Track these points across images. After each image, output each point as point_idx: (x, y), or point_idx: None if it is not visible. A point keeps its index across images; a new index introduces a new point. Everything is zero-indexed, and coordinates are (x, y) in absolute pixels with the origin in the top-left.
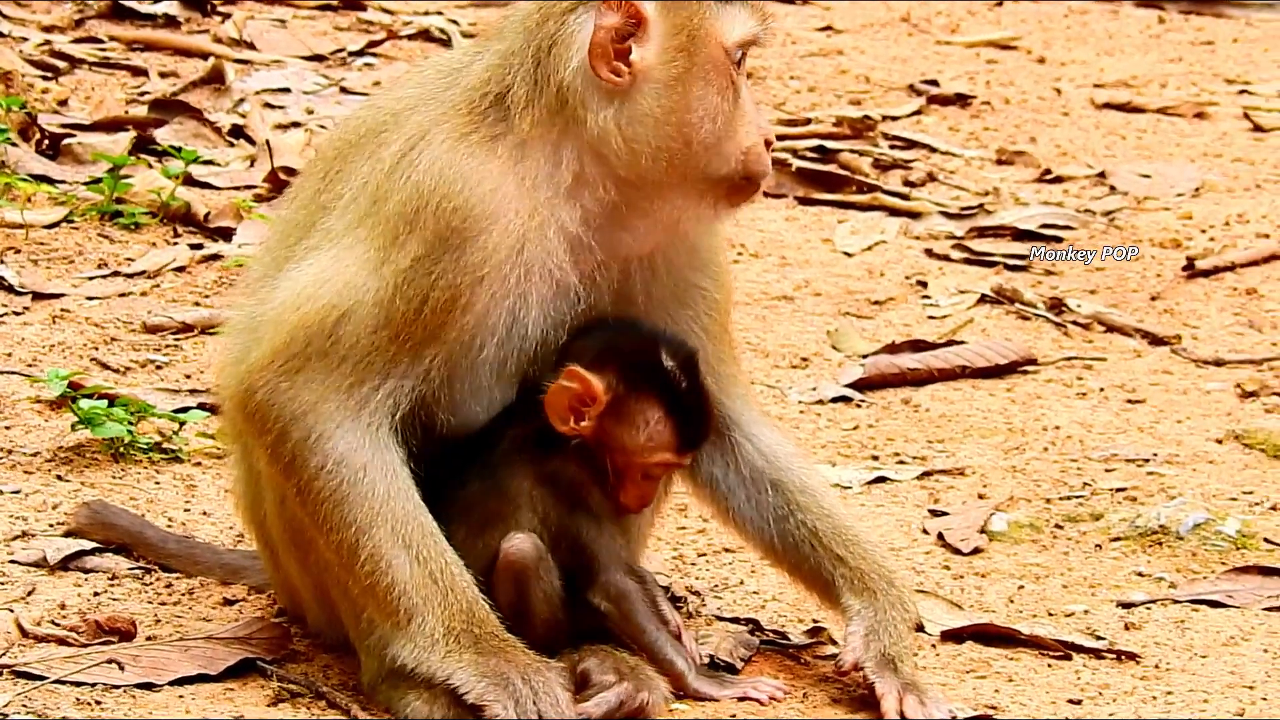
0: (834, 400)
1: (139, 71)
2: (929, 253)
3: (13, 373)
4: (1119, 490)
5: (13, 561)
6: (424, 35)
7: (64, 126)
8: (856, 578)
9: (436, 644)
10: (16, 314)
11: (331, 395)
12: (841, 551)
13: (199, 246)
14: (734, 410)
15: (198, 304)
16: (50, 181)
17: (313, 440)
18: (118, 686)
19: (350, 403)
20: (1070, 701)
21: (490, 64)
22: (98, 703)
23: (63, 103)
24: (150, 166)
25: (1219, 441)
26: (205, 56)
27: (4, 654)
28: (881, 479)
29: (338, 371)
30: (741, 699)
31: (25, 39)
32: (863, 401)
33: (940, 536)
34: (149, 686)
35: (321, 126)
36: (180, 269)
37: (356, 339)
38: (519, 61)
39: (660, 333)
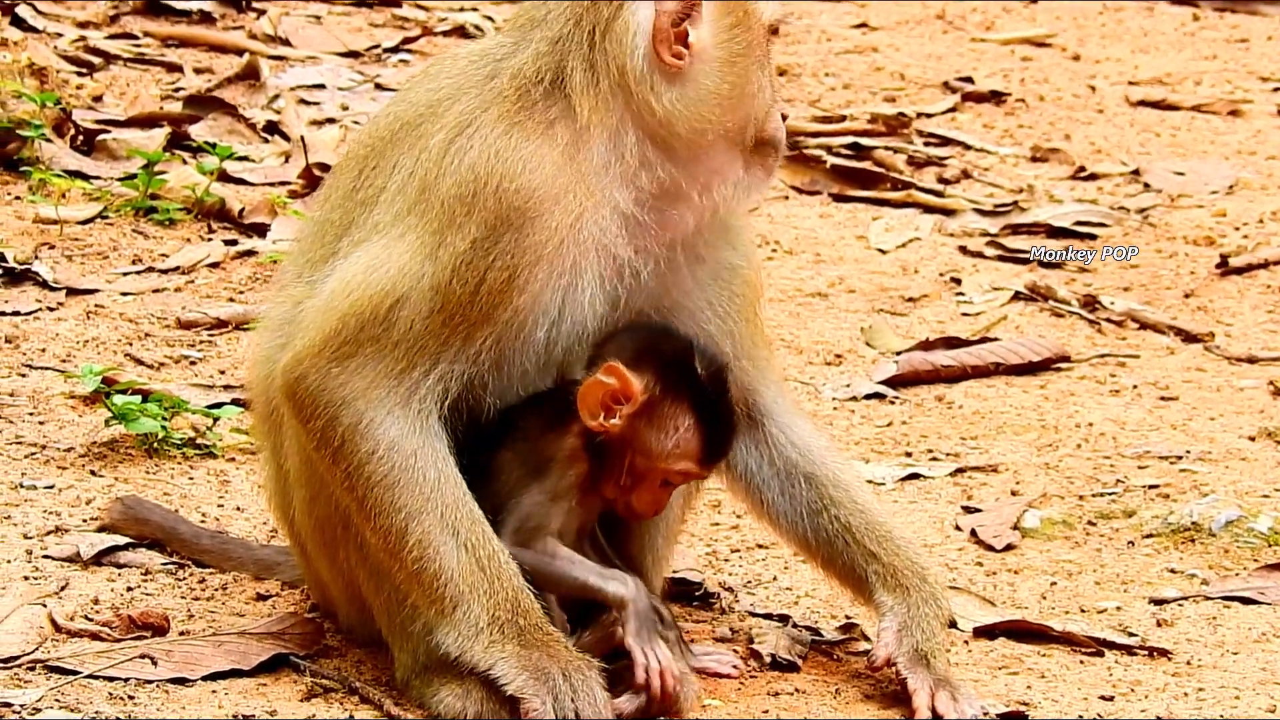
0: (867, 397)
1: (174, 67)
2: (963, 250)
3: (47, 368)
4: (1152, 487)
5: (46, 556)
6: (459, 31)
7: (99, 122)
8: (889, 574)
9: (480, 632)
10: (51, 310)
11: (383, 381)
12: (875, 548)
13: (233, 242)
14: (768, 400)
15: (232, 300)
16: (85, 177)
17: (363, 425)
18: (150, 681)
19: (401, 389)
20: (1102, 698)
21: (539, 50)
22: (130, 698)
23: (97, 99)
24: (185, 163)
25: (1252, 439)
26: (240, 53)
27: (37, 649)
28: (915, 475)
29: (390, 357)
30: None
31: (60, 35)
32: (896, 398)
33: (973, 533)
34: (182, 681)
35: (356, 123)
36: (214, 265)
37: (410, 324)
38: (572, 47)
39: (695, 341)
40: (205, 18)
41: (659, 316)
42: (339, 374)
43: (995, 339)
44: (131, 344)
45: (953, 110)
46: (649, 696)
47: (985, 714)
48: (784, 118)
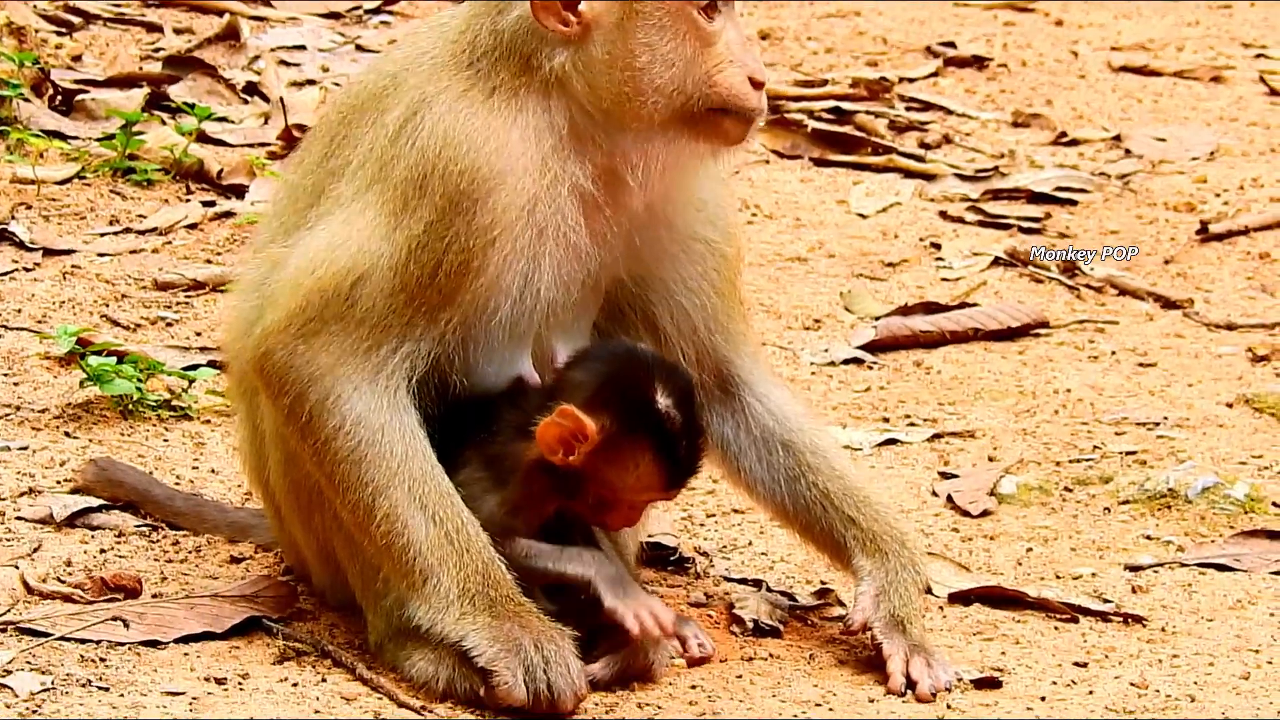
0: (846, 362)
1: (154, 28)
2: (943, 215)
3: (22, 329)
4: (1129, 453)
5: (19, 518)
6: None
7: (77, 82)
8: (868, 539)
9: (451, 605)
10: (27, 270)
11: (349, 358)
12: (853, 513)
13: (211, 204)
14: (744, 370)
15: (209, 261)
16: (63, 137)
17: (330, 401)
18: (122, 644)
19: (368, 365)
20: (1076, 664)
21: (465, 17)
22: (102, 660)
23: (76, 58)
24: (164, 123)
25: (1229, 405)
26: (220, 13)
27: (9, 611)
28: (892, 441)
29: (355, 334)
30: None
31: None
32: (874, 363)
33: (950, 499)
34: (154, 644)
35: (336, 84)
36: (192, 226)
37: (373, 302)
38: (483, 13)
39: (658, 363)
40: None
41: (631, 287)
42: (305, 351)
43: (974, 304)
44: (108, 305)
45: (935, 75)
46: (627, 660)
47: (959, 680)
48: (756, 83)
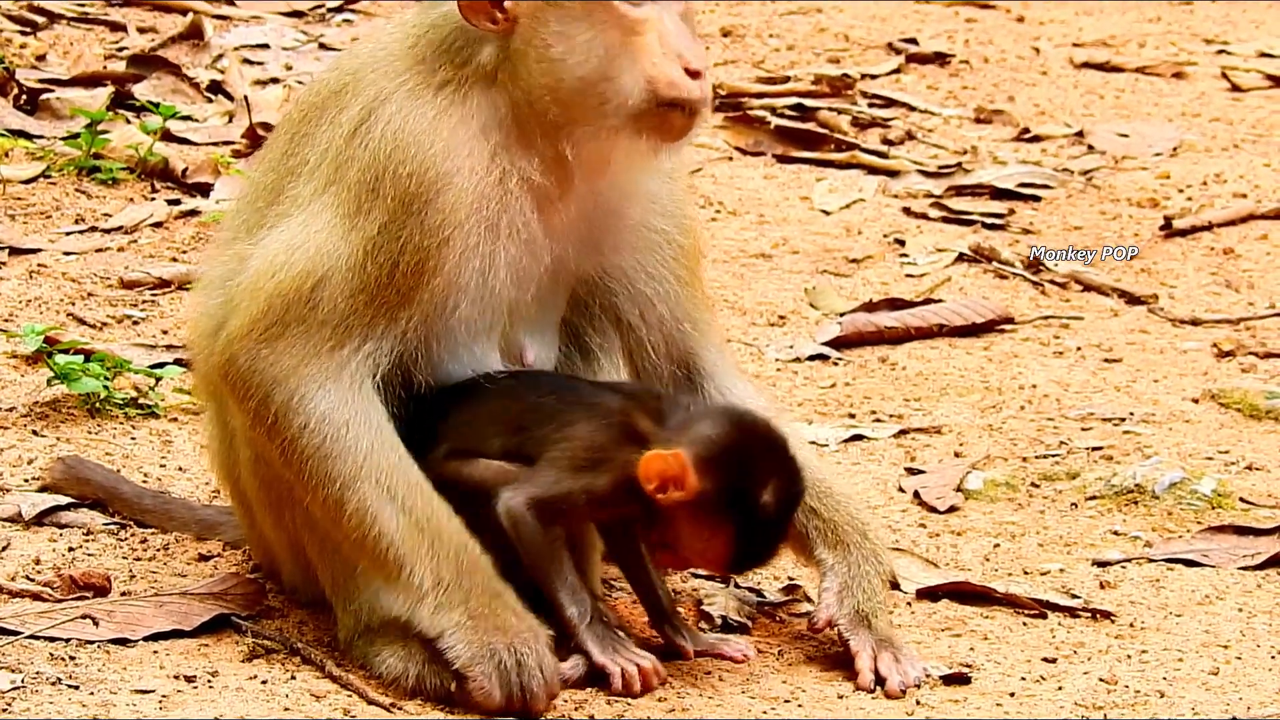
0: (811, 358)
1: (117, 27)
2: (907, 211)
3: None
4: (1095, 449)
5: None
6: None
7: (42, 81)
8: (830, 530)
9: (426, 595)
10: None
11: (312, 359)
12: (815, 504)
13: (176, 202)
14: (709, 362)
15: (175, 259)
16: (28, 136)
17: (295, 401)
18: (92, 642)
19: (331, 364)
20: (1045, 660)
21: (417, 12)
22: (72, 658)
23: (40, 58)
24: (128, 122)
25: (1195, 401)
26: (184, 12)
27: None
28: (858, 437)
29: (317, 336)
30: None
31: None
32: (840, 359)
33: (916, 495)
34: (123, 642)
35: (300, 82)
36: (158, 224)
37: (334, 304)
38: (427, 10)
39: (785, 461)
40: None
41: (594, 281)
42: (268, 354)
43: (939, 300)
44: (74, 303)
45: (897, 72)
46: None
47: (927, 675)
48: (693, 73)
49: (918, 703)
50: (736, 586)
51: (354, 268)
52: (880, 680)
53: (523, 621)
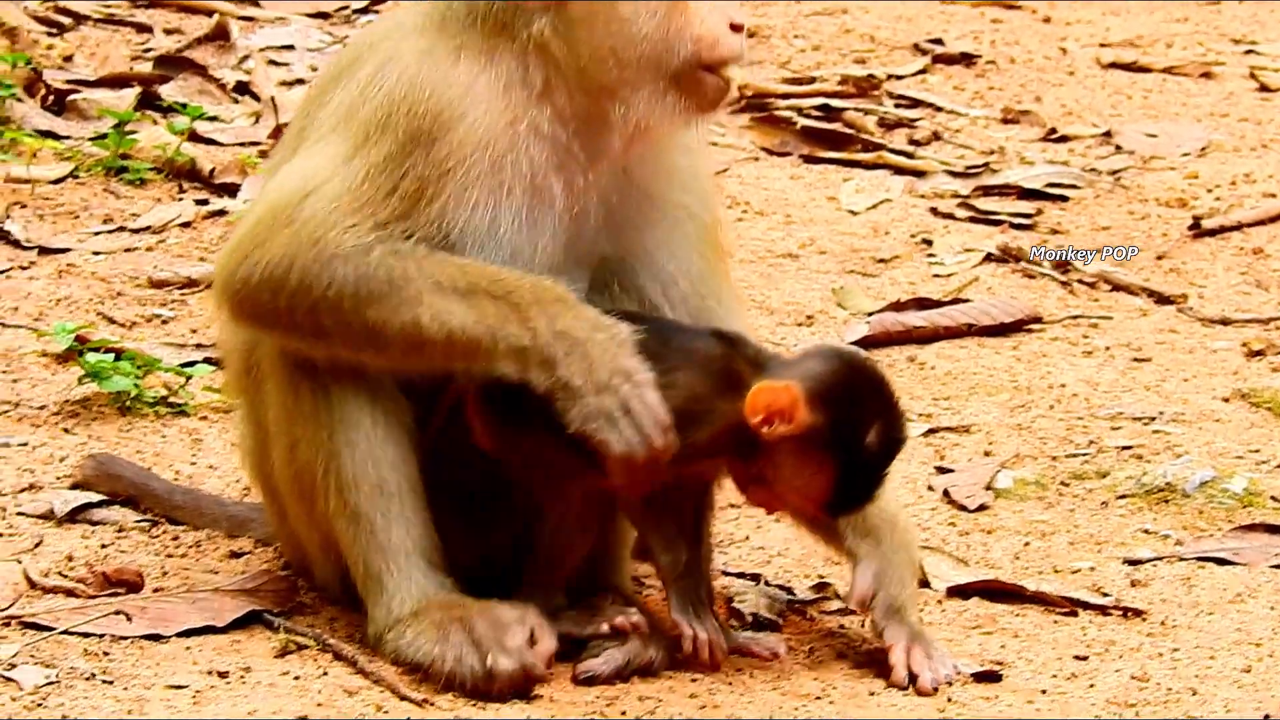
0: None
1: (144, 28)
2: (934, 211)
3: (19, 326)
4: (1125, 448)
5: (20, 514)
6: None
7: (69, 82)
8: (860, 519)
9: (529, 353)
10: (23, 269)
11: (306, 245)
12: None
13: (204, 202)
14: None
15: (203, 259)
16: (56, 137)
17: (312, 277)
18: (125, 637)
19: (329, 240)
20: (1076, 658)
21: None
22: (105, 653)
23: (68, 59)
24: (155, 123)
25: (1225, 400)
26: (210, 13)
27: (12, 605)
28: None
29: (305, 229)
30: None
31: None
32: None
33: (946, 493)
34: (156, 638)
35: None
36: (185, 225)
37: (320, 208)
38: None
39: (895, 408)
40: None
41: (616, 260)
42: (260, 255)
43: (967, 300)
44: (104, 303)
45: (923, 72)
46: (629, 655)
47: (958, 673)
48: (735, 27)
49: (949, 700)
50: (767, 584)
51: (349, 185)
52: (912, 677)
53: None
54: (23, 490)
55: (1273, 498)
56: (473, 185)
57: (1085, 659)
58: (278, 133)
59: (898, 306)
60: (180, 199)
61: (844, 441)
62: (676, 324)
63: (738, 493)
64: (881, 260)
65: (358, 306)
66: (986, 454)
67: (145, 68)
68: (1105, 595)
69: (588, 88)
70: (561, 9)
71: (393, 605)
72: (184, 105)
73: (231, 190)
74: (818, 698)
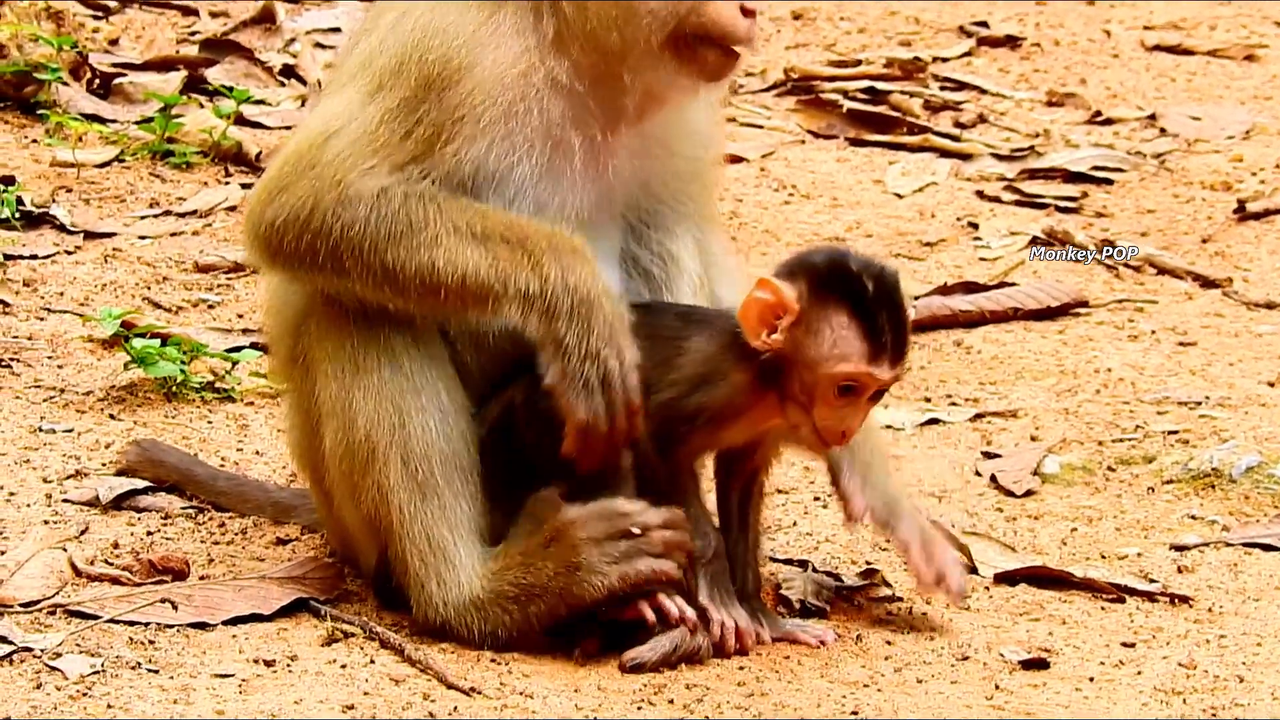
0: None
1: (189, 11)
2: (980, 194)
3: (65, 311)
4: (1171, 433)
5: (66, 500)
6: None
7: (115, 66)
8: None
9: (534, 300)
10: (69, 253)
11: (329, 187)
12: None
13: (250, 186)
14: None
15: None
16: (101, 121)
17: (334, 218)
18: (171, 626)
19: (350, 184)
20: (1124, 644)
21: None
22: (151, 642)
23: (114, 42)
24: (201, 106)
25: (1271, 384)
26: None
27: (58, 593)
28: (934, 421)
29: (327, 171)
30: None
31: None
32: (915, 343)
33: (993, 479)
34: (202, 626)
35: None
36: (232, 208)
37: (340, 150)
38: None
39: (851, 250)
40: None
41: (645, 208)
42: (285, 198)
43: (1013, 284)
44: (149, 287)
45: (968, 55)
46: (675, 642)
47: (968, 565)
48: (747, 11)
49: (997, 687)
50: (814, 571)
51: (365, 129)
52: (939, 578)
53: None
54: (68, 477)
55: None
56: (487, 132)
57: (1132, 646)
58: None
59: (944, 290)
60: (226, 183)
61: (836, 279)
62: (694, 307)
63: (820, 446)
64: (927, 244)
65: (376, 247)
66: (1033, 439)
67: (191, 51)
68: (1152, 581)
69: (597, 48)
70: None
71: (461, 578)
72: (230, 89)
73: None
74: (865, 685)
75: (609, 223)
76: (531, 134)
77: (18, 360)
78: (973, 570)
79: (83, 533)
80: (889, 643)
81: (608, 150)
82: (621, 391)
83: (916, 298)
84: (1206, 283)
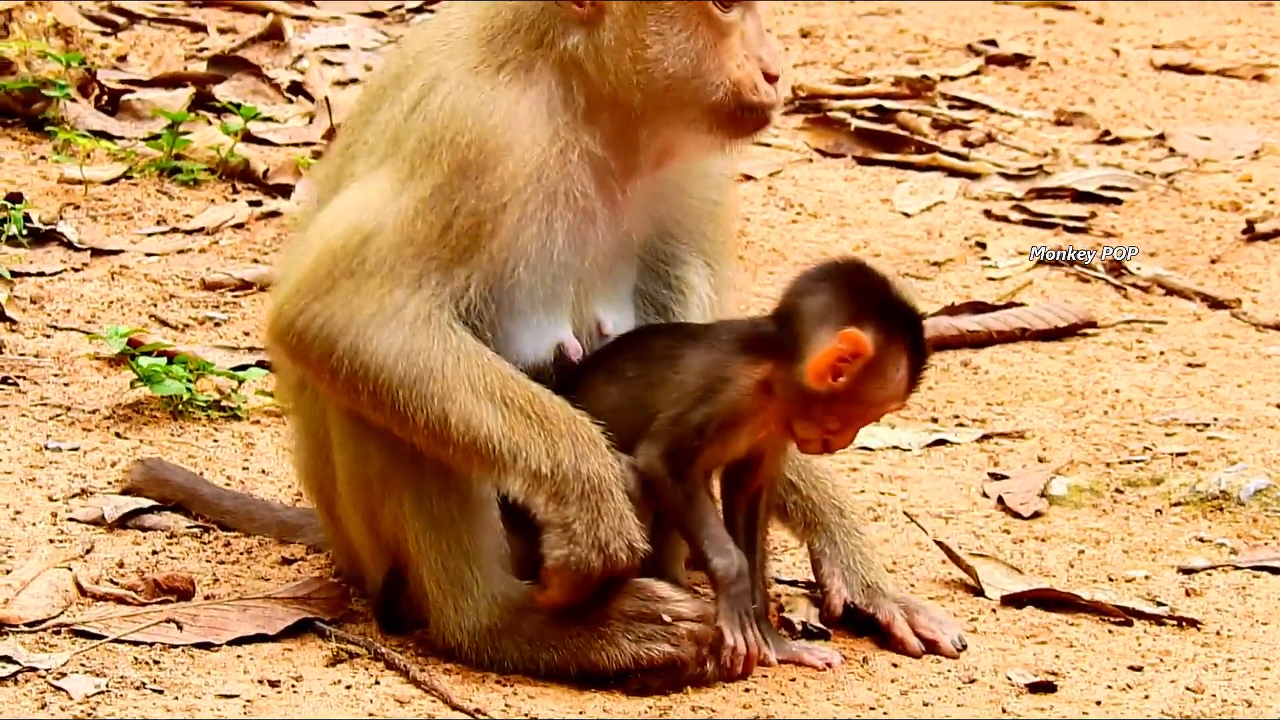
0: None
1: (198, 27)
2: (988, 214)
3: (72, 329)
4: (1179, 455)
5: (71, 519)
6: None
7: (123, 82)
8: (809, 508)
9: (543, 481)
10: (75, 270)
11: (366, 307)
12: (794, 477)
13: (258, 203)
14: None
15: (256, 261)
16: (109, 137)
17: (362, 347)
18: (176, 646)
19: (388, 307)
20: (1131, 668)
21: (487, 3)
22: (156, 662)
23: (122, 58)
24: (209, 123)
25: (1279, 407)
26: (264, 13)
27: (62, 613)
28: (941, 441)
29: (367, 285)
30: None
31: None
32: None
33: (1000, 500)
34: (207, 646)
35: None
36: (239, 226)
37: (381, 256)
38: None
39: (877, 269)
40: None
41: (660, 247)
42: (321, 309)
43: (1021, 304)
44: (156, 305)
45: (977, 73)
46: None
47: (960, 634)
48: (770, 77)
49: (1003, 710)
50: (820, 592)
51: (402, 224)
52: (930, 644)
53: (621, 506)
54: (74, 495)
55: None
56: (528, 217)
57: (1140, 669)
58: (332, 133)
59: (951, 310)
60: (234, 200)
61: (901, 324)
62: (685, 324)
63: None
64: (935, 263)
65: (392, 386)
66: (1040, 460)
67: (199, 67)
68: (1160, 604)
69: (619, 110)
70: (593, 32)
71: (479, 607)
72: (238, 105)
73: (285, 191)
74: (872, 709)
75: (624, 264)
76: (567, 209)
77: (24, 378)
78: (978, 593)
79: (88, 552)
80: (895, 665)
81: (625, 203)
82: (621, 561)
83: (924, 317)
84: (1215, 303)
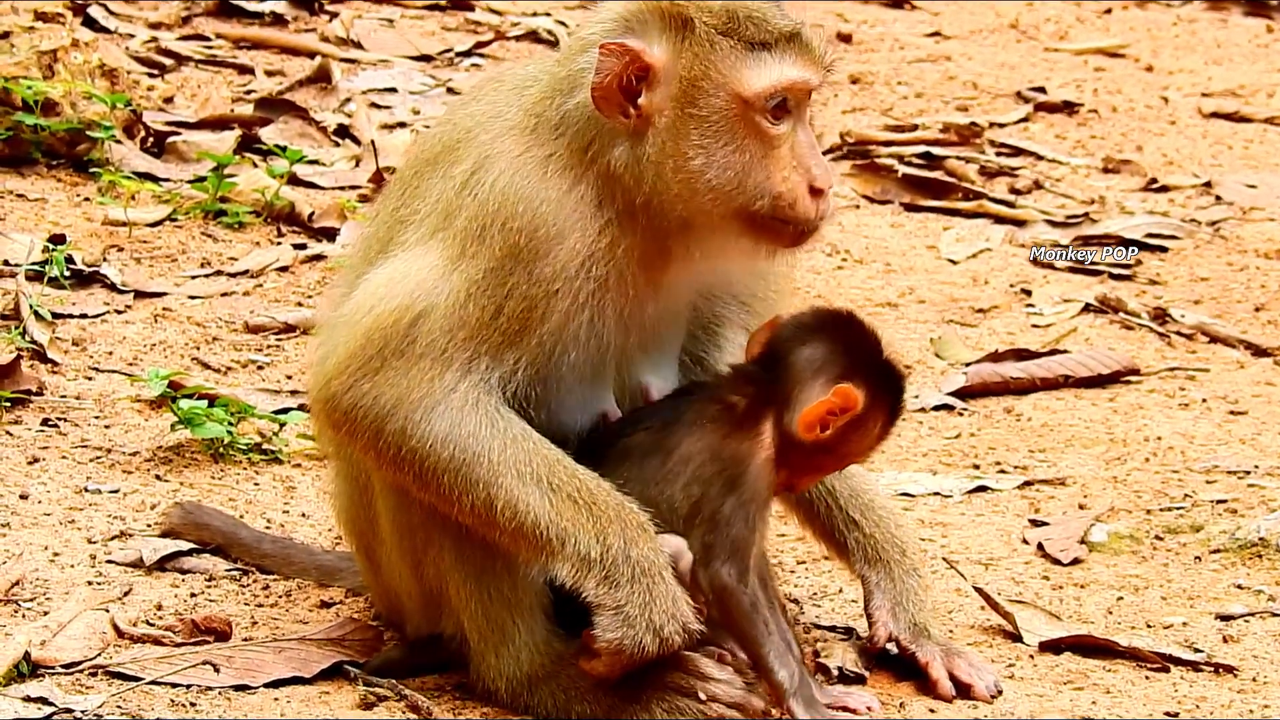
0: (936, 408)
1: (245, 70)
2: (1034, 261)
3: (114, 371)
4: (1219, 502)
5: (110, 561)
6: (532, 36)
7: (169, 124)
8: (870, 545)
9: (593, 565)
10: (119, 312)
11: (415, 388)
12: (857, 516)
13: (302, 246)
14: None
15: (300, 304)
16: (154, 179)
17: (411, 429)
18: (212, 688)
19: (437, 390)
20: (1167, 714)
21: (543, 88)
22: (192, 704)
23: (168, 100)
24: (255, 165)
25: None
26: (312, 55)
27: (100, 654)
28: (982, 488)
29: (417, 367)
30: (839, 709)
31: (132, 35)
32: (965, 410)
33: (1040, 547)
34: (244, 688)
35: (427, 127)
36: (283, 269)
37: (432, 339)
38: (556, 89)
39: (865, 322)
40: (277, 20)
41: (703, 310)
42: (370, 389)
43: (1065, 351)
44: (199, 348)
45: (1025, 120)
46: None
47: (997, 680)
48: (816, 191)
49: None
50: (858, 638)
51: (454, 306)
52: (964, 688)
53: (673, 588)
54: (113, 538)
55: None
56: (579, 305)
57: (1176, 715)
58: (378, 177)
59: (995, 357)
60: (279, 243)
61: (886, 382)
62: (657, 405)
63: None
64: (980, 310)
65: (439, 469)
66: (1081, 507)
67: (246, 109)
68: (1197, 651)
69: (662, 219)
70: (639, 142)
71: (521, 656)
72: (284, 148)
73: (330, 234)
74: None
75: (670, 331)
76: (615, 296)
77: (65, 420)
78: (1017, 639)
79: (126, 594)
80: (932, 710)
81: (673, 283)
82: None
83: (968, 364)
84: (1259, 351)
